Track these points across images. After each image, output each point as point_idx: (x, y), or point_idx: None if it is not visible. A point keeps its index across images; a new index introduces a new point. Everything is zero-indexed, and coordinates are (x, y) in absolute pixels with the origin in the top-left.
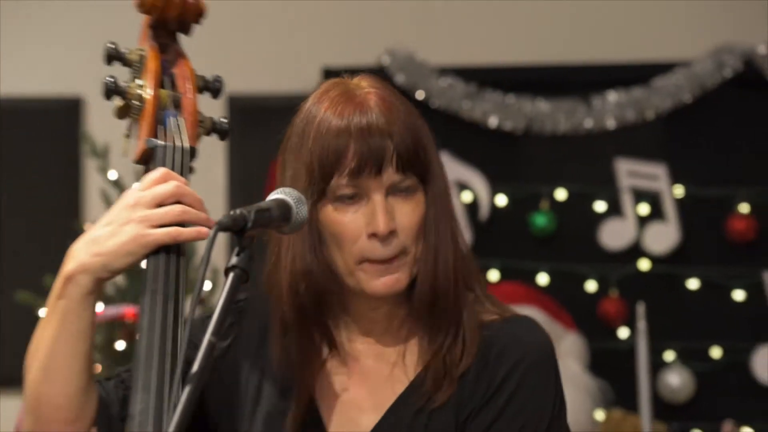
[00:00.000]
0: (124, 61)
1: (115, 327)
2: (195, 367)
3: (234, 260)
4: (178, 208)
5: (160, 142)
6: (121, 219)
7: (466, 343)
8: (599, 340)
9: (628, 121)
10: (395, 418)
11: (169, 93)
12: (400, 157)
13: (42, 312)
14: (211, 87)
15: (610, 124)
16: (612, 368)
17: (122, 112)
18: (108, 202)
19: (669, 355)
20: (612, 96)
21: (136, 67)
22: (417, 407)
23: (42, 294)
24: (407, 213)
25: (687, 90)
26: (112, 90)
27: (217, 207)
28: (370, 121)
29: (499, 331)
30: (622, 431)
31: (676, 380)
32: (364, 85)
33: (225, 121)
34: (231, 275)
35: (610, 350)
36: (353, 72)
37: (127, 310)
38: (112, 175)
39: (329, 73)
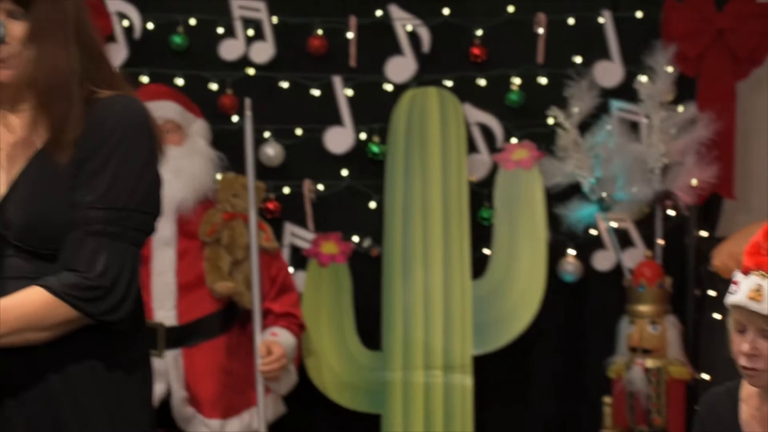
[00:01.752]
0: None
1: None
2: None
3: None
4: None
5: None
6: None
7: (75, 115)
8: (219, 124)
9: None
10: (29, 172)
11: None
12: None
13: None
14: None
15: None
16: (227, 143)
17: None
18: None
19: (267, 133)
20: None
21: None
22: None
23: None
24: (12, 31)
25: None
26: None
27: None
28: None
29: (105, 103)
30: (233, 187)
31: (272, 151)
32: None
33: None
34: None
35: (226, 130)
36: None
37: None
38: None
39: None
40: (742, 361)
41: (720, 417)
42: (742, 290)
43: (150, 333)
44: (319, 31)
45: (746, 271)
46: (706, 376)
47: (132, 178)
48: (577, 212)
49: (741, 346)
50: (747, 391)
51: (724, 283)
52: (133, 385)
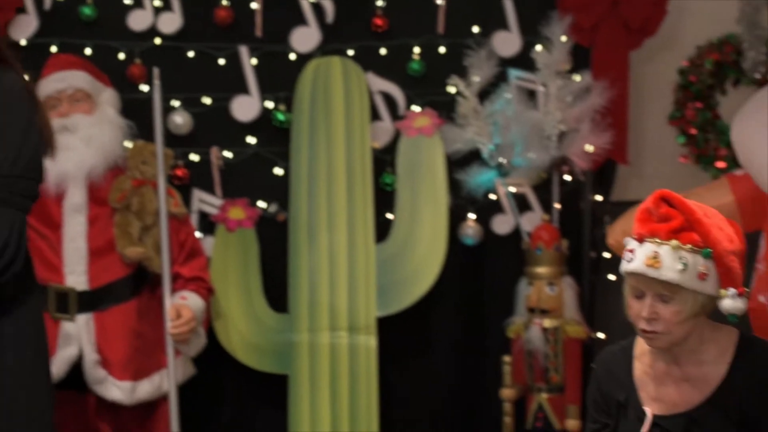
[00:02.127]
0: None
1: None
2: None
3: None
4: None
5: None
6: None
7: None
8: (128, 93)
9: None
10: None
11: None
12: None
13: None
14: None
15: None
16: (136, 112)
17: None
18: None
19: (175, 102)
20: None
21: None
22: None
23: None
24: None
25: None
26: None
27: None
28: None
29: None
30: (142, 155)
31: (180, 119)
32: None
33: None
34: None
35: (135, 99)
36: None
37: None
38: None
39: None
40: (642, 325)
41: (615, 374)
42: (639, 258)
43: (43, 294)
44: (225, 2)
45: (640, 239)
46: (601, 335)
47: (15, 146)
48: (477, 178)
49: (641, 311)
50: (640, 348)
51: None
52: (28, 344)
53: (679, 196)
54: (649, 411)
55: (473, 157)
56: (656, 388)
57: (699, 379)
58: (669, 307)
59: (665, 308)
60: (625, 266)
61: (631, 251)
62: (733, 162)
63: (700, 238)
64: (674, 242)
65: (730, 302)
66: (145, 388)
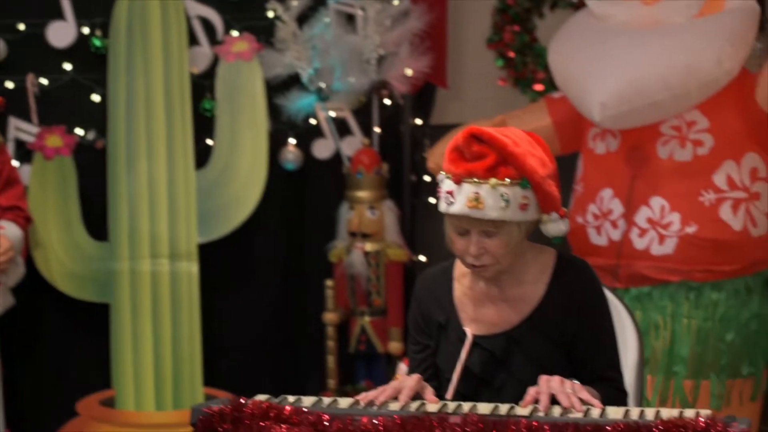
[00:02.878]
0: None
1: None
2: None
3: None
4: None
5: None
6: None
7: None
8: None
9: None
10: None
11: None
12: None
13: None
14: None
15: None
16: None
17: None
18: None
19: None
20: None
21: None
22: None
23: None
24: None
25: None
26: None
27: None
28: None
29: None
30: None
31: None
32: None
33: None
34: None
35: None
36: None
37: None
38: None
39: None
40: (470, 261)
41: (435, 295)
42: (459, 200)
43: None
44: None
45: (457, 180)
46: (422, 258)
47: None
48: (297, 102)
49: (467, 248)
50: (460, 270)
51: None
52: None
53: (489, 130)
54: (470, 331)
55: (293, 81)
56: (476, 309)
57: (518, 300)
58: (495, 241)
59: (491, 242)
60: (446, 208)
61: (450, 193)
62: (551, 85)
63: (515, 170)
64: (493, 181)
65: (553, 226)
66: None
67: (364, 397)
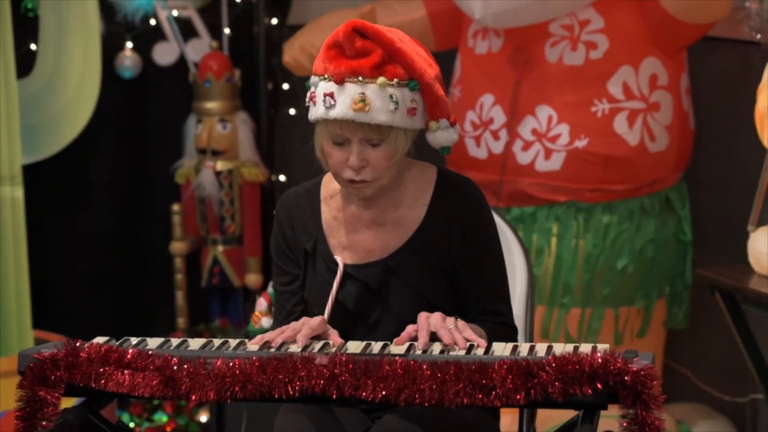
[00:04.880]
0: None
1: None
2: None
3: None
4: None
5: None
6: None
7: None
8: None
9: None
10: None
11: None
12: None
13: None
14: None
15: None
16: None
17: None
18: None
19: None
20: None
21: None
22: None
23: None
24: None
25: None
26: None
27: None
28: None
29: None
30: None
31: None
32: None
33: None
34: None
35: None
36: None
37: None
38: None
39: None
40: (349, 175)
41: (300, 219)
42: (342, 102)
43: None
44: None
45: (339, 80)
46: (282, 177)
47: None
48: (134, 0)
49: (346, 160)
50: (327, 190)
51: (299, 77)
52: None
53: (373, 24)
54: (341, 260)
55: None
56: (348, 234)
57: (395, 223)
58: (379, 151)
59: (374, 153)
60: (325, 113)
61: (329, 95)
62: None
63: (403, 69)
64: (381, 80)
65: (443, 134)
66: None
67: (259, 340)
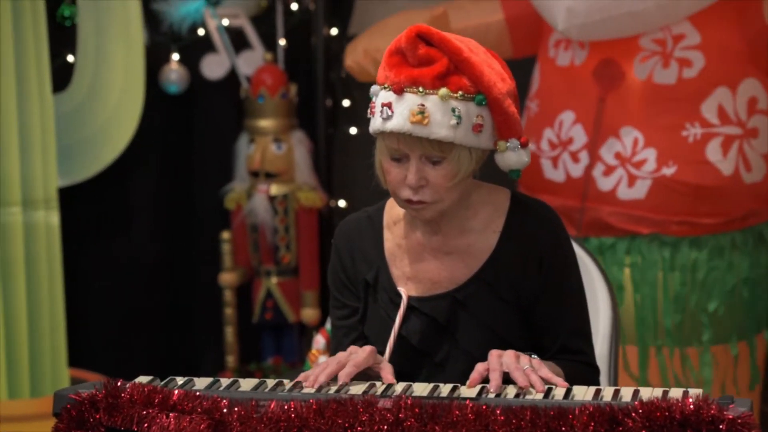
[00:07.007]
0: None
1: None
2: None
3: None
4: None
5: None
6: None
7: None
8: None
9: None
10: None
11: None
12: None
13: None
14: None
15: None
16: None
17: None
18: None
19: None
20: None
21: None
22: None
23: None
24: None
25: None
26: None
27: None
28: None
29: None
30: None
31: None
32: None
33: None
34: None
35: None
36: None
37: None
38: None
39: None
40: (407, 195)
41: (360, 248)
42: (400, 113)
43: None
44: None
45: (398, 89)
46: (342, 203)
47: None
48: (181, 8)
49: (404, 177)
50: (391, 216)
51: (361, 91)
52: None
53: (440, 31)
54: (405, 292)
55: None
56: (412, 264)
57: (464, 252)
58: (439, 170)
59: (435, 172)
60: (382, 125)
61: (387, 105)
62: None
63: (470, 82)
64: (443, 91)
65: (513, 156)
66: None
67: (303, 378)
